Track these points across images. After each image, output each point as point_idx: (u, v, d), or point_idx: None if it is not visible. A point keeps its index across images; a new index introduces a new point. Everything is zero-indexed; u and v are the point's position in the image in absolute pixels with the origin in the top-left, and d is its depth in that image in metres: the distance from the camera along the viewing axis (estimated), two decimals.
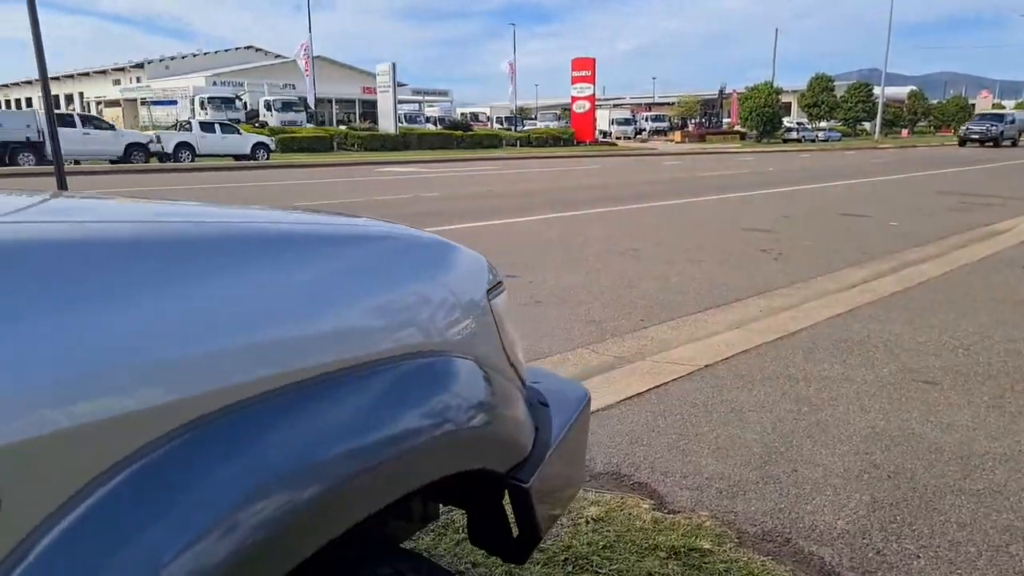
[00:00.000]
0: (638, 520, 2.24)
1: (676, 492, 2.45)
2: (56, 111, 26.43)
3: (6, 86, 71.10)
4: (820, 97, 61.17)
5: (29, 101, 63.27)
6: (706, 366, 3.79)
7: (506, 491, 1.08)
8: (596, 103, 48.17)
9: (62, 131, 23.96)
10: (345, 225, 1.08)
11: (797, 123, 58.07)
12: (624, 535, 2.16)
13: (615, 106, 73.21)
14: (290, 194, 14.70)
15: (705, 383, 3.54)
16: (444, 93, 61.43)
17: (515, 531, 1.09)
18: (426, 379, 0.90)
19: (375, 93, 39.17)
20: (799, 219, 10.33)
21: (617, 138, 53.59)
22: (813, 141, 52.27)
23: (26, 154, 23.12)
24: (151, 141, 25.78)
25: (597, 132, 48.50)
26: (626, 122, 59.22)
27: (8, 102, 68.62)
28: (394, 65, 36.75)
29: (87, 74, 60.90)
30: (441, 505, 1.28)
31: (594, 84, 46.60)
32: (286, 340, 0.78)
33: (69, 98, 60.10)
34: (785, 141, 52.84)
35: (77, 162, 23.86)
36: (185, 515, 0.64)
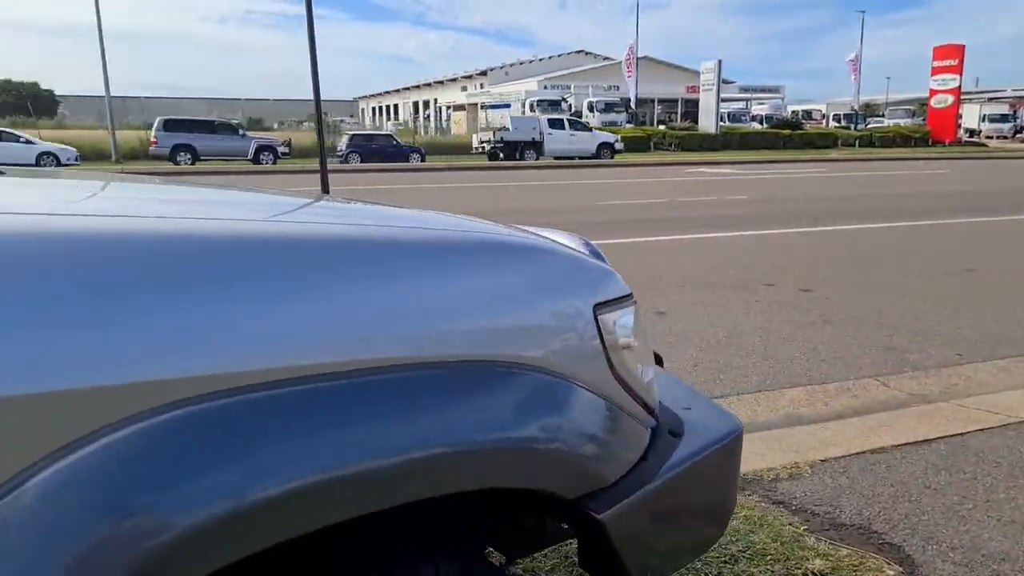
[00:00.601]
0: None
1: (935, 564, 2.04)
2: (550, 115, 30.36)
3: (380, 94, 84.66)
4: None
5: (396, 108, 74.74)
6: None
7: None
8: (962, 97, 41.20)
9: (556, 132, 28.04)
10: (450, 230, 1.09)
11: None
12: None
13: (990, 100, 61.48)
14: (599, 192, 15.26)
15: (1020, 441, 2.87)
16: (775, 90, 57.85)
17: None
18: (473, 382, 0.88)
19: (699, 92, 38.56)
20: None
21: (988, 137, 45.19)
22: None
23: (530, 152, 27.89)
24: (615, 141, 29.29)
25: (961, 131, 41.55)
26: (1003, 119, 49.44)
27: (379, 108, 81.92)
28: (720, 62, 35.78)
29: (441, 82, 69.50)
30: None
31: (960, 75, 39.91)
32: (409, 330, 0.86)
33: (426, 104, 69.03)
34: None
35: (569, 157, 28.02)
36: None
